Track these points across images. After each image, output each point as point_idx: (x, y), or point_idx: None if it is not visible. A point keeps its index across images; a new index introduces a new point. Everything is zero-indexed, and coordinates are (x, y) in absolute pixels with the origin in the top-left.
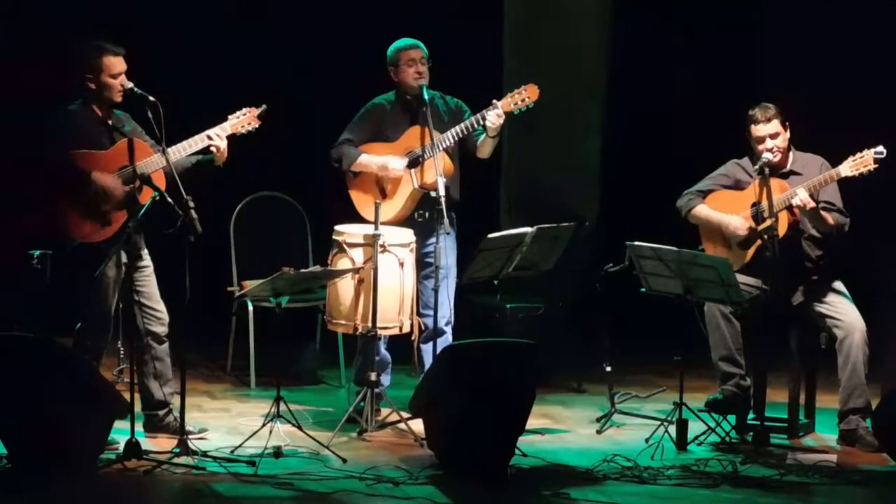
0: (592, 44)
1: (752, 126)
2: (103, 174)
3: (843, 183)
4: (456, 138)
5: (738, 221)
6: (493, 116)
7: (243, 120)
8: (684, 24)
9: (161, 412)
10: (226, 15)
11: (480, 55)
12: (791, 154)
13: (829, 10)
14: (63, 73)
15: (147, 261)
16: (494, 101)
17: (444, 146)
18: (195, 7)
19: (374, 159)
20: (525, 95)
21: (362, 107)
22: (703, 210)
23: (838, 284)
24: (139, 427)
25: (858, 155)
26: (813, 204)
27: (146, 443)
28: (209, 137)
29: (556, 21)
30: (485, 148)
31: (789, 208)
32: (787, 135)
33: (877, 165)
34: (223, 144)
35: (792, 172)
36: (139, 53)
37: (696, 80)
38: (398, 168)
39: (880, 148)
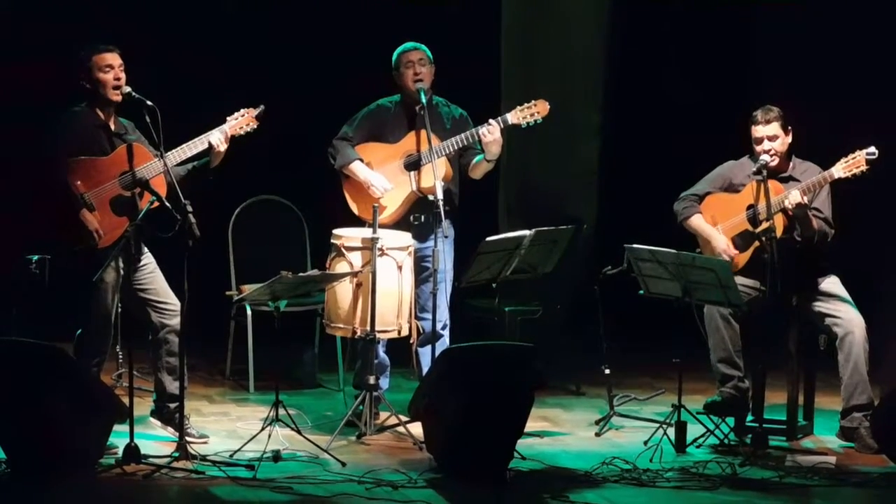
0: (591, 48)
1: (752, 126)
2: (91, 217)
3: (838, 185)
4: (456, 147)
5: (722, 244)
6: (485, 130)
7: (242, 121)
8: (681, 28)
9: (171, 405)
10: (224, 19)
11: (479, 60)
12: (792, 160)
13: (823, 14)
14: (62, 73)
15: (147, 259)
16: (491, 119)
17: (445, 153)
18: (194, 9)
19: (363, 172)
20: (535, 110)
21: (362, 108)
22: (696, 221)
23: (836, 284)
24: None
25: (851, 156)
26: (805, 201)
27: (145, 447)
28: (209, 142)
29: (554, 25)
30: (478, 169)
31: (784, 210)
32: (788, 140)
33: (869, 166)
34: (224, 147)
35: (791, 178)
36: (138, 54)
37: (693, 83)
38: (378, 190)
39: (872, 149)
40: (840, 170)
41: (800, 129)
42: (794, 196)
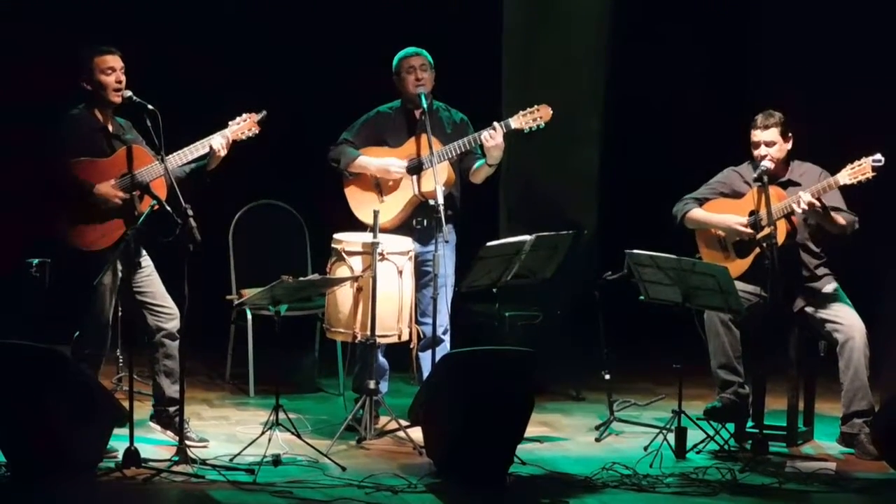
0: (591, 53)
1: (752, 130)
2: (105, 184)
3: (841, 189)
4: (457, 151)
5: (735, 217)
6: (487, 135)
7: (243, 126)
8: (683, 33)
9: (171, 409)
10: (225, 21)
11: (480, 64)
12: (790, 164)
13: (825, 17)
14: (62, 74)
15: (145, 262)
16: (495, 122)
17: (446, 157)
18: (194, 12)
19: (374, 161)
20: (538, 115)
21: (363, 114)
22: (699, 213)
23: (836, 290)
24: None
25: (857, 163)
26: (820, 203)
27: (145, 450)
28: (211, 145)
29: (555, 30)
30: (479, 174)
31: (787, 217)
32: (788, 146)
33: (875, 173)
34: (224, 152)
35: (790, 182)
36: (138, 57)
37: (694, 89)
38: (399, 170)
39: (878, 156)
40: (846, 176)
41: (803, 132)
42: (808, 198)
